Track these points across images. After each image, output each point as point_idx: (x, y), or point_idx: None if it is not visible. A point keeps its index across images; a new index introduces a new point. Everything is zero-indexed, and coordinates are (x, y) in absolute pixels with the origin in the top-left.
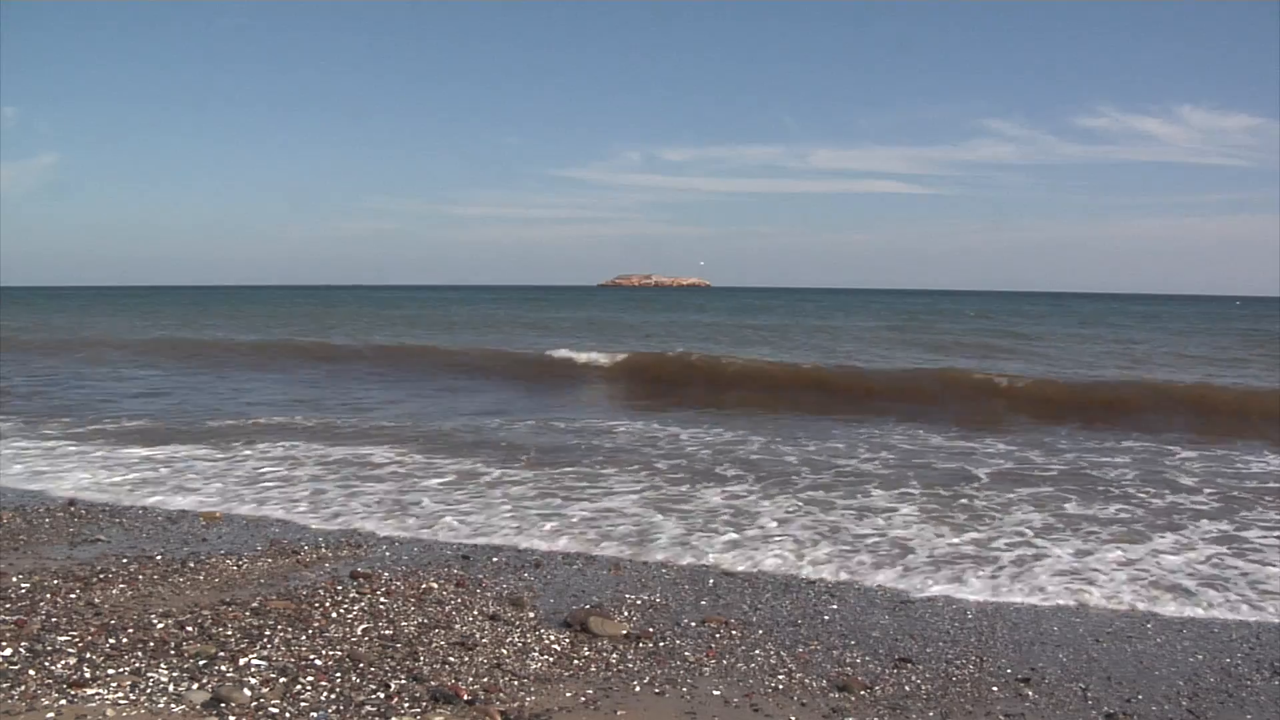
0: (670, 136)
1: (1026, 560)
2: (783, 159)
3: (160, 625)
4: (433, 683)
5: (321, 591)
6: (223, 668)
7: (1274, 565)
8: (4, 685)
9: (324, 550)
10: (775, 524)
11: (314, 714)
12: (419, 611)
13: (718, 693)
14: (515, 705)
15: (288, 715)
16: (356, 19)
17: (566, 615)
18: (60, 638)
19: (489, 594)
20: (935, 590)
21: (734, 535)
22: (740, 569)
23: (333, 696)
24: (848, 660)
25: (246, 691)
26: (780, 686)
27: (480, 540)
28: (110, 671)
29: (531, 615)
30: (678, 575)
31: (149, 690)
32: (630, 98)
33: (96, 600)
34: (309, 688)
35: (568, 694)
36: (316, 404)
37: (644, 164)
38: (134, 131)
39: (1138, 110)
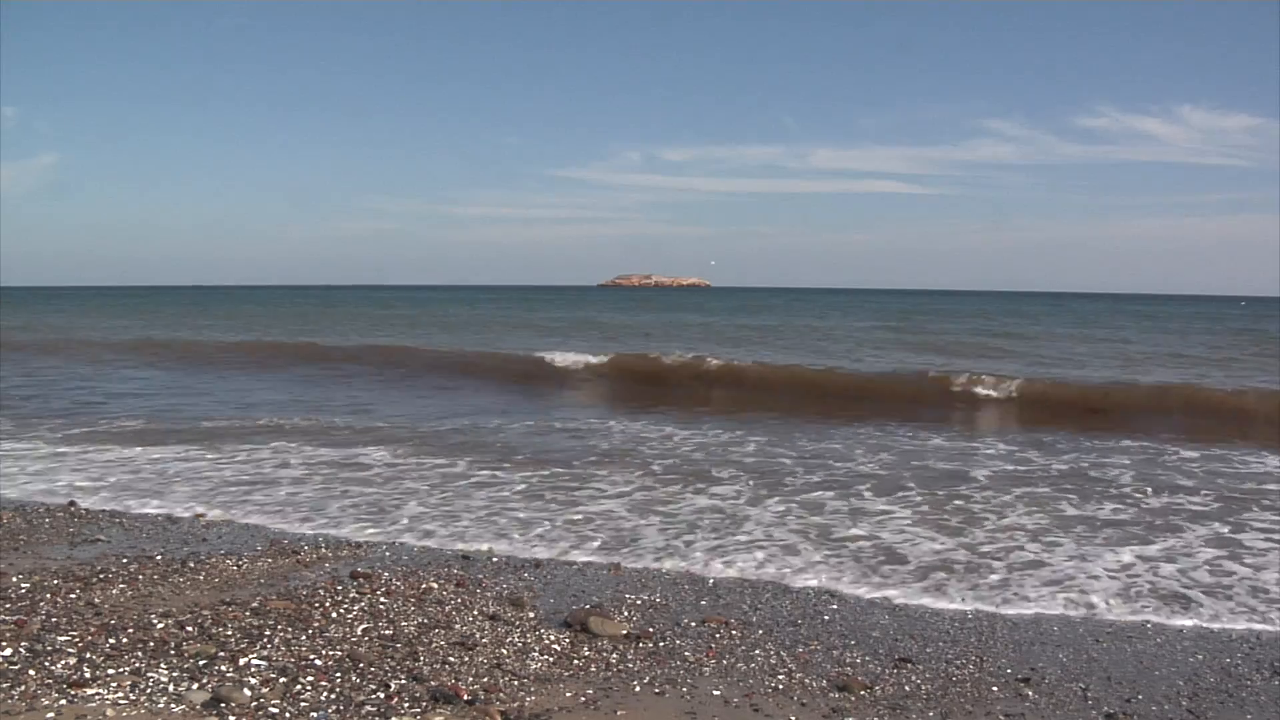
0: (670, 136)
1: (1025, 563)
2: (783, 159)
3: (160, 625)
4: (433, 683)
5: (321, 591)
6: (223, 668)
7: (1274, 566)
8: (4, 685)
9: (324, 550)
10: (769, 527)
11: (314, 714)
12: (419, 611)
13: (718, 693)
14: (515, 705)
15: (288, 715)
16: (356, 19)
17: (566, 615)
18: (60, 638)
19: (489, 594)
20: (934, 592)
21: (732, 537)
22: (733, 573)
23: (333, 696)
24: (848, 660)
25: (246, 691)
26: (780, 686)
27: (479, 542)
28: (110, 671)
29: (531, 615)
30: (677, 575)
31: (149, 690)
32: (630, 98)
33: (96, 600)
34: (309, 688)
35: (568, 694)
36: (315, 405)
37: (644, 164)
38: (134, 131)
39: (1138, 110)
